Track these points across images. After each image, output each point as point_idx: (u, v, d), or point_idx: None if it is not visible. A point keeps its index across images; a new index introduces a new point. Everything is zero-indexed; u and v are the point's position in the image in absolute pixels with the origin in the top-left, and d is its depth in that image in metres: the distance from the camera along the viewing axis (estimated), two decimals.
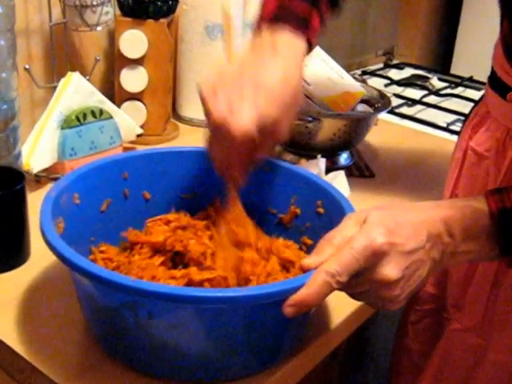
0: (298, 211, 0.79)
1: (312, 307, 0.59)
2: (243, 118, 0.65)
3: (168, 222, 0.77)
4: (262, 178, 0.80)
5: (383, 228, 0.58)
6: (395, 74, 1.86)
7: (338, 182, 1.02)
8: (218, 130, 0.67)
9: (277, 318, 0.59)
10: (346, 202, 0.72)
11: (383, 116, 1.36)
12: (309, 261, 0.60)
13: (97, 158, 0.79)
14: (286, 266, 0.70)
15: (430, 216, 0.61)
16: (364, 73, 1.83)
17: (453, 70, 2.08)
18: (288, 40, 0.73)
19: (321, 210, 0.75)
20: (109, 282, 0.57)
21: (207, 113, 0.68)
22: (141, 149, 0.96)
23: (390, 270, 0.58)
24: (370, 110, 1.17)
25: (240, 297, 0.57)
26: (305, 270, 0.59)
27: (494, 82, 0.81)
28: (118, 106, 1.14)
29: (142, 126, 1.16)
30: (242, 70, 0.70)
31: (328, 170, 1.01)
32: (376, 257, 0.58)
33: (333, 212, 0.71)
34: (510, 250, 0.62)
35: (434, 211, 0.62)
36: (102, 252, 0.73)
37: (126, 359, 0.66)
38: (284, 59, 0.71)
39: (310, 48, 0.77)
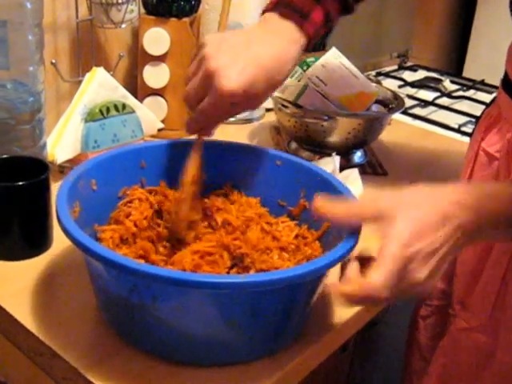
0: (306, 204, 0.79)
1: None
2: (233, 78, 0.71)
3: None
4: (273, 171, 0.82)
5: (413, 236, 0.58)
6: (409, 76, 1.87)
7: (352, 179, 1.02)
8: (207, 79, 0.73)
9: (279, 304, 0.59)
10: (350, 195, 0.73)
11: (397, 116, 1.37)
12: (347, 287, 0.59)
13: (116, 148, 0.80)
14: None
15: (449, 202, 0.61)
16: (379, 74, 1.84)
17: (465, 73, 2.09)
18: (284, 25, 0.79)
19: None
20: (114, 265, 0.57)
21: (205, 59, 0.74)
22: (158, 139, 0.98)
23: (421, 273, 0.58)
24: (384, 110, 1.19)
25: (243, 283, 0.57)
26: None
27: (506, 83, 0.82)
28: (141, 100, 1.15)
29: (163, 121, 1.17)
30: (248, 41, 0.76)
31: (342, 168, 1.02)
32: (407, 264, 0.58)
33: None
34: None
35: (452, 196, 0.62)
36: (101, 239, 0.73)
37: (138, 344, 0.66)
38: (280, 40, 0.77)
39: (309, 40, 0.80)
